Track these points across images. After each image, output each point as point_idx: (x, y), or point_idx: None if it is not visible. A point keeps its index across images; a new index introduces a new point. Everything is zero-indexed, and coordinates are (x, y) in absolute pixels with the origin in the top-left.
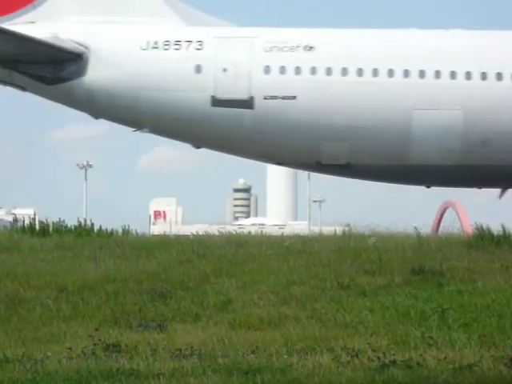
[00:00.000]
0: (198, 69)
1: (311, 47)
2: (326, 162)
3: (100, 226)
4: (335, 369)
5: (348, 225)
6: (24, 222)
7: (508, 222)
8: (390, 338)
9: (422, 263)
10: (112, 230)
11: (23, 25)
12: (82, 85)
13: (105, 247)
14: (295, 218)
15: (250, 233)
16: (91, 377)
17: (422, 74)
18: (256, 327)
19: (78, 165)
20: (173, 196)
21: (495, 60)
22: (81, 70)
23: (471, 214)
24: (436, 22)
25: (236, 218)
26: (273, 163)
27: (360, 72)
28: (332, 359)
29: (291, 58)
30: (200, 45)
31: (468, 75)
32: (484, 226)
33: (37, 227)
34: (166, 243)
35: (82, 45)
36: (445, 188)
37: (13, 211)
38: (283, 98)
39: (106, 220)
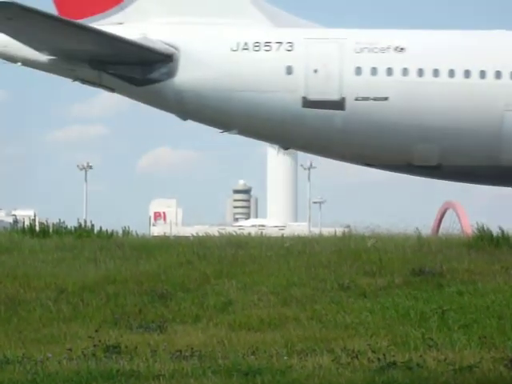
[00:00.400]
0: (289, 70)
1: (402, 48)
2: (416, 163)
3: (100, 227)
4: (335, 370)
5: (348, 226)
6: (24, 223)
7: (508, 223)
8: (390, 339)
9: (422, 264)
10: (112, 231)
11: (111, 26)
12: (171, 86)
13: (105, 248)
14: (295, 219)
15: (250, 234)
16: (91, 378)
17: None
18: (256, 328)
19: (78, 166)
20: (173, 197)
21: None
22: (171, 71)
23: (471, 214)
24: None
25: (236, 219)
26: (362, 164)
27: (451, 73)
28: (332, 360)
29: (382, 59)
30: (290, 46)
31: None
32: (484, 227)
33: (37, 228)
34: (166, 244)
35: (171, 46)
36: (444, 188)
37: (13, 212)
38: (375, 99)
39: (106, 221)
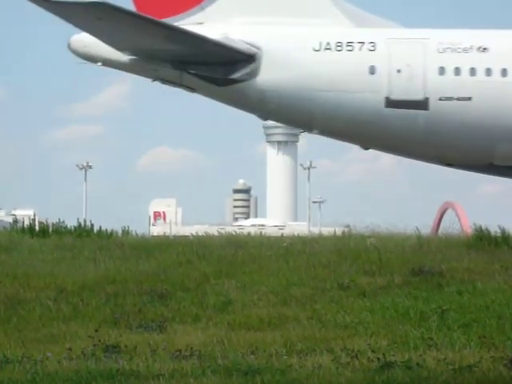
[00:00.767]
0: (372, 70)
1: (485, 48)
2: (499, 163)
3: (100, 227)
4: (335, 369)
5: (348, 225)
6: (24, 222)
7: (507, 223)
8: (390, 339)
9: (422, 264)
10: (112, 230)
11: (191, 26)
12: (254, 86)
13: (104, 248)
14: (295, 218)
15: (249, 233)
16: (91, 377)
17: None
18: (256, 328)
19: (77, 165)
20: (172, 197)
21: None
22: (253, 71)
23: (470, 214)
24: None
25: (236, 219)
26: (442, 164)
27: None
28: (332, 360)
29: (465, 59)
30: (373, 46)
31: None
32: (482, 227)
33: (37, 228)
34: (165, 244)
35: (253, 46)
36: (444, 188)
37: (13, 212)
38: (458, 99)
39: (106, 221)
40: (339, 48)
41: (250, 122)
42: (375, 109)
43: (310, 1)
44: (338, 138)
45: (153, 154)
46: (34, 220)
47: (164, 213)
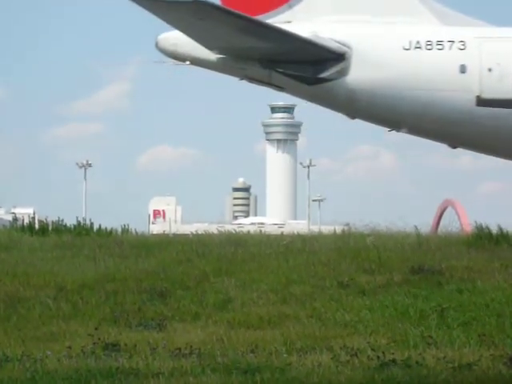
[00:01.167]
0: (463, 69)
1: None
2: None
3: (99, 225)
4: (334, 368)
5: (347, 224)
6: (23, 221)
7: (507, 222)
8: (390, 337)
9: (422, 262)
10: (111, 229)
11: (280, 24)
12: (343, 85)
13: (104, 246)
14: (295, 217)
15: (249, 232)
16: (90, 376)
17: None
18: (255, 326)
19: (77, 164)
20: (172, 195)
21: None
22: (342, 70)
23: (471, 213)
24: None
25: (235, 217)
26: None
27: None
28: (331, 358)
29: None
30: (463, 45)
31: None
32: (483, 226)
33: (36, 226)
34: (165, 242)
35: (343, 44)
36: (444, 187)
37: (12, 210)
38: None
39: (106, 219)
40: (429, 47)
41: (250, 120)
42: (466, 108)
43: (398, 0)
44: (426, 137)
45: (153, 152)
46: (33, 218)
47: (164, 211)
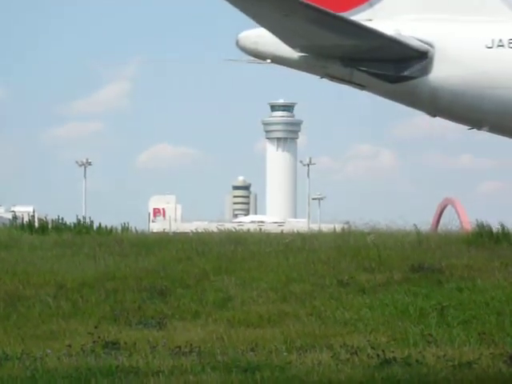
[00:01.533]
0: None
1: None
2: None
3: (99, 224)
4: (334, 366)
5: (347, 222)
6: (23, 219)
7: (507, 220)
8: (390, 336)
9: (422, 260)
10: (111, 227)
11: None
12: (425, 83)
13: (104, 245)
14: (295, 215)
15: (249, 230)
16: (90, 374)
17: None
18: (255, 324)
19: (77, 162)
20: (172, 193)
21: None
22: (425, 69)
23: (471, 211)
24: None
25: (235, 216)
26: None
27: None
28: (331, 356)
29: None
30: None
31: None
32: (483, 224)
33: (36, 225)
34: (165, 241)
35: (426, 42)
36: (444, 185)
37: (12, 208)
38: None
39: (106, 217)
40: None
41: (250, 118)
42: None
43: None
44: (508, 136)
45: (152, 150)
46: (33, 217)
47: (163, 209)
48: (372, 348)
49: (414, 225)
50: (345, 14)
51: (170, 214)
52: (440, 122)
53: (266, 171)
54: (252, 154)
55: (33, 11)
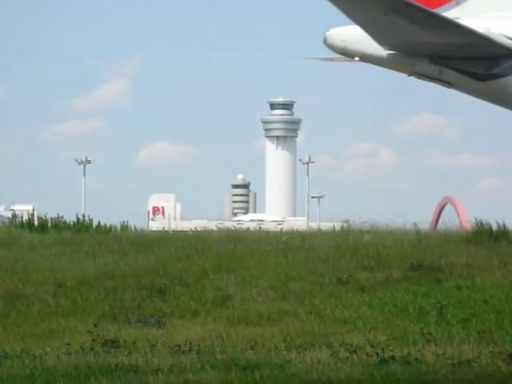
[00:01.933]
0: None
1: None
2: None
3: (99, 222)
4: (334, 364)
5: (347, 221)
6: (23, 217)
7: (506, 219)
8: (389, 334)
9: (421, 259)
10: (111, 225)
11: None
12: None
13: (103, 243)
14: (294, 213)
15: (248, 229)
16: (90, 372)
17: None
18: (255, 323)
19: (76, 160)
20: (171, 192)
21: None
22: None
23: (470, 210)
24: None
25: (235, 214)
26: None
27: None
28: (331, 355)
29: None
30: None
31: None
32: (483, 222)
33: (35, 223)
34: (164, 239)
35: None
36: (443, 184)
37: (12, 207)
38: None
39: (105, 216)
40: None
41: (249, 117)
42: None
43: None
44: None
45: (152, 149)
46: (32, 215)
47: (163, 208)
48: (371, 346)
49: (414, 223)
50: None
51: (170, 212)
52: (439, 120)
53: (266, 170)
54: (251, 153)
55: (33, 11)
